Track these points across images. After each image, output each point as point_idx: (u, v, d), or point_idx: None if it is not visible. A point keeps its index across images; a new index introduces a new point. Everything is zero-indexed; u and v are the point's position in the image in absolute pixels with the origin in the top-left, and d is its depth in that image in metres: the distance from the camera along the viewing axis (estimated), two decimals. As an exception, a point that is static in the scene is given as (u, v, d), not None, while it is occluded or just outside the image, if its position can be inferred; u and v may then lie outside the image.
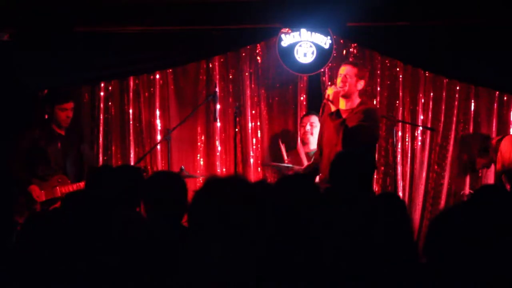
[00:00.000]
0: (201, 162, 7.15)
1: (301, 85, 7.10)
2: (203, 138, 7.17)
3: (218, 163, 7.12)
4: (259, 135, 7.18)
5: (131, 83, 7.06)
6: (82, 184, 5.85)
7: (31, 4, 6.46)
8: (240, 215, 2.26)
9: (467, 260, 2.40)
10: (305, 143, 6.85)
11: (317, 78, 7.00)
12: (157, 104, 7.09)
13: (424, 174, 6.99)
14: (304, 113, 6.97)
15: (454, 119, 6.95)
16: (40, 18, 6.51)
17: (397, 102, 6.98)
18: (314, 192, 3.17)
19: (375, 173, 6.73)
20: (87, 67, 6.76)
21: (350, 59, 6.74)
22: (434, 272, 2.45)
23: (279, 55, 6.77)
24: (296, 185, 3.12)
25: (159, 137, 7.02)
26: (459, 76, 6.87)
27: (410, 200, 6.95)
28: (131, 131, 7.05)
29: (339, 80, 5.59)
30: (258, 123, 7.18)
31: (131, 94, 7.06)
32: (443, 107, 6.97)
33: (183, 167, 6.30)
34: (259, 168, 7.18)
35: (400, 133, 6.96)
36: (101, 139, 7.04)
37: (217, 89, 6.63)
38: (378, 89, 6.98)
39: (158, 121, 7.09)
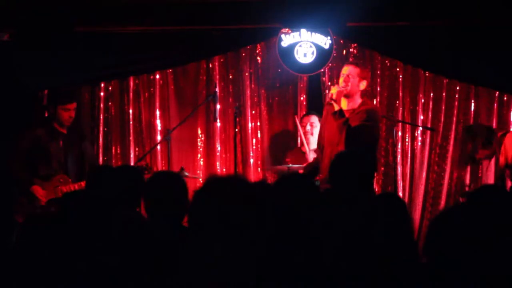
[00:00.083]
0: (201, 162, 7.15)
1: (301, 85, 7.10)
2: (203, 138, 7.17)
3: (218, 163, 7.12)
4: (259, 135, 7.19)
5: (131, 83, 7.06)
6: (83, 184, 5.84)
7: (31, 4, 6.46)
8: (240, 215, 2.25)
9: (467, 260, 2.40)
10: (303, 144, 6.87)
11: (317, 78, 7.00)
12: (157, 104, 7.09)
13: (424, 174, 6.99)
14: (304, 113, 6.97)
15: (454, 119, 6.95)
16: (40, 18, 6.51)
17: (397, 102, 6.98)
18: (314, 192, 3.17)
19: (375, 173, 6.73)
20: (87, 67, 6.76)
21: (350, 59, 6.75)
22: (434, 272, 2.45)
23: (279, 55, 6.77)
24: (296, 185, 3.12)
25: (159, 137, 7.02)
26: (459, 76, 6.87)
27: (410, 200, 6.95)
28: (131, 131, 7.05)
29: (341, 80, 5.60)
30: (258, 123, 7.18)
31: (131, 94, 7.06)
32: (443, 107, 6.97)
33: (183, 167, 6.30)
34: (259, 168, 7.18)
35: (400, 133, 6.96)
36: (101, 139, 7.04)
37: (217, 89, 6.63)
38: (378, 89, 6.99)
39: (158, 121, 7.09)
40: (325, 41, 6.72)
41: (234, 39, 6.88)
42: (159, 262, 2.60)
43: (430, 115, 6.98)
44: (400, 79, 6.97)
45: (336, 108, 5.44)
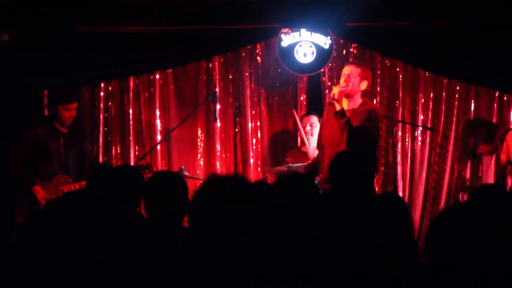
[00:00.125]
0: (201, 162, 7.15)
1: (301, 85, 7.10)
2: (203, 138, 7.17)
3: (218, 163, 7.12)
4: (259, 135, 7.19)
5: (131, 83, 7.06)
6: (84, 183, 5.84)
7: (31, 4, 6.46)
8: (240, 215, 2.26)
9: (467, 260, 2.40)
10: (304, 144, 6.86)
11: (317, 78, 7.00)
12: (157, 104, 7.09)
13: (424, 174, 6.99)
14: (303, 113, 6.97)
15: (454, 119, 6.95)
16: (40, 18, 6.51)
17: (397, 102, 6.98)
18: (314, 192, 3.17)
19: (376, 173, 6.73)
20: (87, 67, 6.76)
21: (351, 59, 6.75)
22: (434, 272, 2.45)
23: (279, 55, 6.77)
24: (296, 185, 3.12)
25: (159, 137, 7.02)
26: (459, 76, 6.87)
27: (410, 200, 6.95)
28: (131, 131, 7.05)
29: (342, 79, 5.61)
30: (258, 123, 7.18)
31: (131, 94, 7.06)
32: (443, 107, 6.97)
33: (183, 167, 6.30)
34: (259, 168, 7.18)
35: (400, 133, 6.96)
36: (101, 139, 7.04)
37: (217, 89, 6.63)
38: (378, 89, 6.99)
39: (158, 121, 7.09)
40: (325, 41, 6.72)
41: (234, 39, 6.88)
42: (159, 262, 2.60)
43: (430, 115, 6.99)
44: (400, 79, 6.97)
45: (338, 108, 5.45)
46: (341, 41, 6.92)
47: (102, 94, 7.04)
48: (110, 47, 6.75)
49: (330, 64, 6.85)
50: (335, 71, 6.84)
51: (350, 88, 5.54)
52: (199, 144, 7.16)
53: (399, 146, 6.97)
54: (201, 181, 6.52)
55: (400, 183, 6.91)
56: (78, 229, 2.69)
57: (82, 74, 6.80)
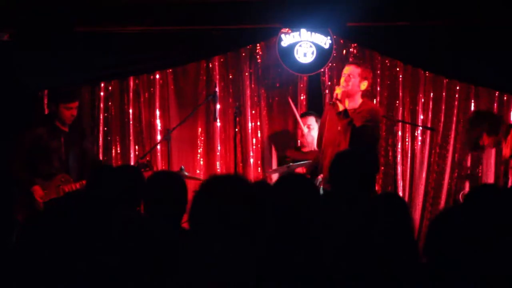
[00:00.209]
0: (201, 162, 7.15)
1: (301, 85, 7.10)
2: (203, 138, 7.17)
3: (218, 163, 7.12)
4: (259, 135, 7.19)
5: (131, 83, 7.06)
6: (85, 182, 5.83)
7: (31, 4, 6.46)
8: (240, 215, 2.26)
9: (467, 260, 2.40)
10: (303, 145, 6.87)
11: (317, 78, 7.00)
12: (157, 104, 7.09)
13: (424, 174, 6.99)
14: (302, 113, 6.96)
15: (454, 119, 6.95)
16: (40, 18, 6.51)
17: (397, 102, 6.98)
18: (314, 192, 3.17)
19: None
20: (87, 67, 6.76)
21: (351, 59, 6.75)
22: (434, 272, 2.46)
23: (279, 55, 6.77)
24: (296, 185, 3.12)
25: (159, 137, 7.02)
26: (459, 76, 6.87)
27: (410, 200, 6.95)
28: (131, 131, 7.05)
29: (342, 79, 5.62)
30: (258, 123, 7.18)
31: (131, 94, 7.06)
32: (443, 107, 6.97)
33: (183, 167, 6.30)
34: (259, 168, 7.18)
35: (400, 133, 6.96)
36: (101, 139, 7.04)
37: (217, 89, 6.63)
38: (378, 89, 6.99)
39: (158, 121, 7.09)
40: (325, 41, 6.72)
41: (234, 39, 6.88)
42: (159, 262, 2.60)
43: (430, 115, 6.98)
44: (400, 79, 6.97)
45: (341, 108, 5.45)
46: (341, 41, 6.92)
47: (102, 94, 7.04)
48: (110, 47, 6.75)
49: (330, 64, 6.85)
50: (335, 71, 6.84)
51: (350, 87, 5.55)
52: (199, 144, 7.16)
53: (399, 146, 6.96)
54: (201, 181, 6.55)
55: (400, 183, 6.91)
56: (78, 229, 2.69)
57: (82, 74, 6.80)
